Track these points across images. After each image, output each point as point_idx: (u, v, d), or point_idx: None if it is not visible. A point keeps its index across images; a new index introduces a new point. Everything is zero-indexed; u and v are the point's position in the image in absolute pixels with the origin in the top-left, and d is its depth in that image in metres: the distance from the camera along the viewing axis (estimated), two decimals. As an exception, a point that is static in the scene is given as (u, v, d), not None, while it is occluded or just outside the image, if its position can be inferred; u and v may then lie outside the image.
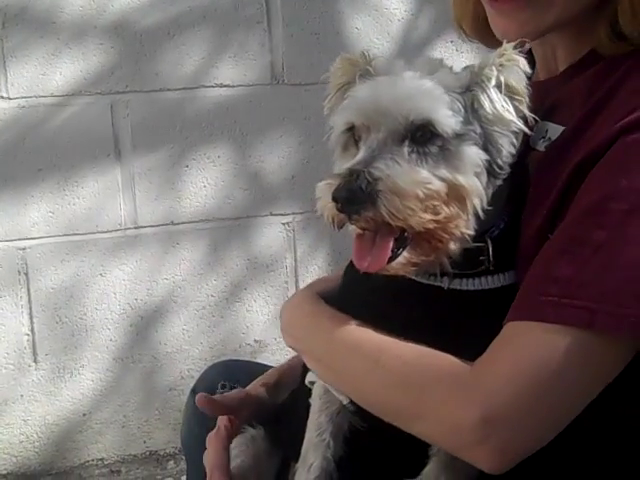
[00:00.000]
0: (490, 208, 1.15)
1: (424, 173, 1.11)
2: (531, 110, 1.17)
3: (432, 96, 1.13)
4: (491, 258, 1.19)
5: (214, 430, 1.52)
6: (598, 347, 1.04)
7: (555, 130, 1.23)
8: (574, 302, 1.03)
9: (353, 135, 1.19)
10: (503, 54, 1.16)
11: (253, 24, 3.07)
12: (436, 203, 1.10)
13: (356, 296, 1.29)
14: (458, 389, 1.09)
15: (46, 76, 2.90)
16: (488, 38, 1.36)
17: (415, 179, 1.10)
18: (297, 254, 3.23)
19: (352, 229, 1.16)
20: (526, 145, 1.22)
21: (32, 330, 3.00)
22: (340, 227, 1.13)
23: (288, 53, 3.11)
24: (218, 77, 3.05)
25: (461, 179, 1.12)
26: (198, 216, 3.11)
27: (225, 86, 3.07)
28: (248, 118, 3.10)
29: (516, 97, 1.17)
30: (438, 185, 1.11)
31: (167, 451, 3.17)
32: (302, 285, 3.22)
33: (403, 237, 1.12)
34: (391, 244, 1.11)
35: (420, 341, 1.16)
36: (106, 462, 3.13)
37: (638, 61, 1.17)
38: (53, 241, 2.98)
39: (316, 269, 3.23)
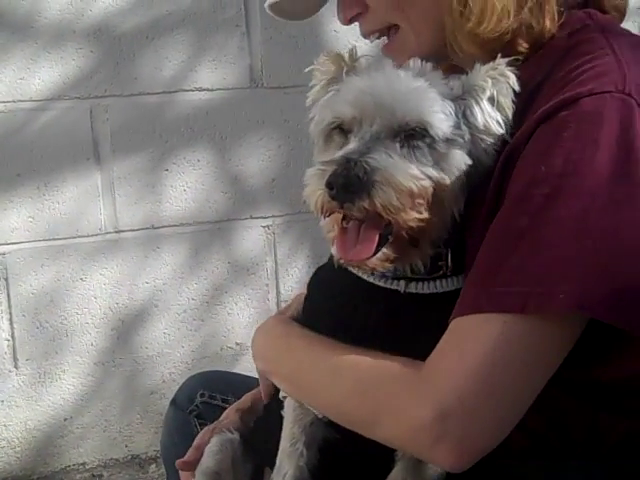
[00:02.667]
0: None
1: (417, 169, 1.12)
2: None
3: (428, 98, 1.16)
4: (449, 263, 1.21)
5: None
6: (538, 329, 1.06)
7: None
8: (506, 289, 1.06)
9: (340, 127, 1.19)
10: (496, 68, 1.19)
11: (232, 27, 3.07)
12: (422, 202, 1.12)
13: (319, 304, 1.31)
14: (410, 390, 1.11)
15: (25, 80, 2.89)
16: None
17: (411, 174, 1.11)
18: (277, 257, 3.24)
19: (327, 221, 1.16)
20: None
21: (12, 335, 2.99)
22: (327, 215, 1.13)
23: (267, 56, 3.12)
24: (197, 81, 3.06)
25: (446, 181, 1.15)
26: (178, 220, 3.11)
27: (204, 90, 3.07)
28: (227, 121, 3.10)
29: (501, 112, 1.20)
30: (427, 184, 1.12)
31: (149, 455, 3.18)
32: (282, 288, 3.23)
33: (386, 232, 1.13)
34: (377, 238, 1.12)
35: (380, 344, 1.18)
36: (88, 466, 3.13)
37: (563, 52, 1.21)
38: (33, 246, 2.97)
39: (296, 272, 3.24)
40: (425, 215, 1.12)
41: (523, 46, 1.26)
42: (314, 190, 1.11)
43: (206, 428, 1.59)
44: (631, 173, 1.05)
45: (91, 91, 2.95)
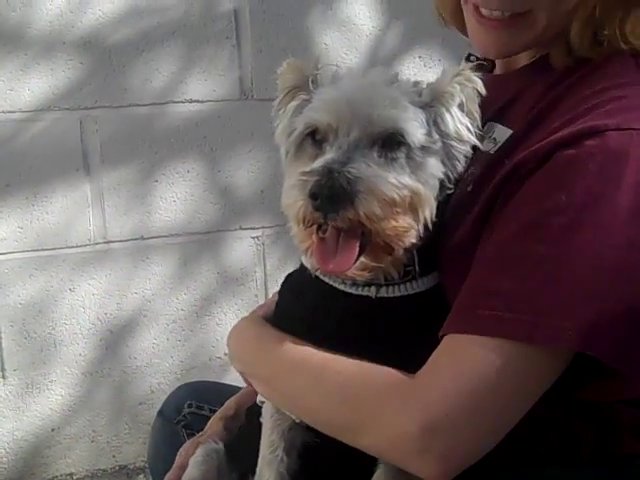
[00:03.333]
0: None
1: (397, 178, 1.13)
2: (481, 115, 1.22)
3: (403, 106, 1.16)
4: (417, 267, 1.22)
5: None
6: (536, 359, 1.07)
7: (502, 132, 1.26)
8: (515, 316, 1.05)
9: (312, 136, 1.19)
10: (461, 74, 1.20)
11: (222, 40, 3.09)
12: (399, 210, 1.12)
13: (292, 313, 1.31)
14: (398, 401, 1.11)
15: (14, 91, 2.89)
16: (463, 25, 1.37)
17: (392, 183, 1.11)
18: (267, 267, 3.24)
19: (300, 232, 1.16)
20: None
21: (0, 345, 2.98)
22: (309, 226, 1.13)
23: (257, 68, 3.13)
24: (187, 92, 3.07)
25: (422, 190, 1.15)
26: (168, 231, 3.11)
27: (194, 101, 3.08)
28: (217, 133, 3.11)
29: (470, 117, 1.21)
30: (407, 192, 1.13)
31: (137, 465, 3.17)
32: (272, 299, 3.24)
33: (364, 241, 1.13)
34: (357, 248, 1.12)
35: (355, 350, 1.18)
36: (75, 477, 3.12)
37: (583, 75, 1.20)
38: (22, 256, 2.97)
39: (285, 283, 3.24)
40: (402, 223, 1.13)
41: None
42: (295, 201, 1.11)
43: (188, 442, 1.58)
44: None
45: (81, 102, 2.96)
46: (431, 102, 1.20)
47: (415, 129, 1.16)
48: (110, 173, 3.02)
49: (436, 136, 1.19)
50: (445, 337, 1.12)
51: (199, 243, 3.16)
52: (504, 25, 1.25)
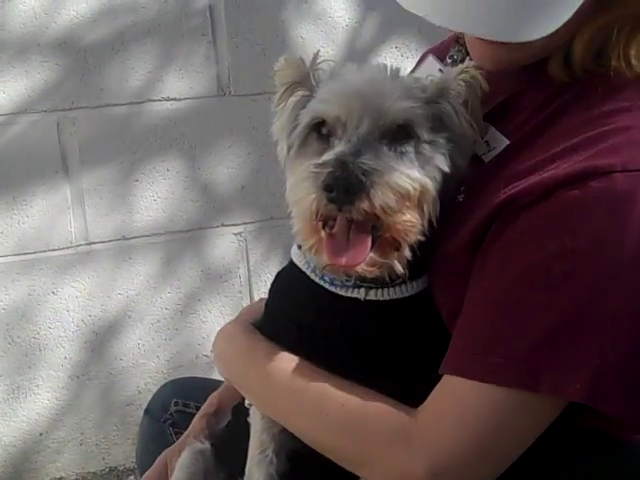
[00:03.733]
0: None
1: (408, 171, 1.11)
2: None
3: (411, 99, 1.15)
4: (407, 272, 1.19)
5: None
6: (540, 407, 1.07)
7: (497, 139, 1.23)
8: (520, 366, 1.04)
9: (318, 130, 1.17)
10: (467, 71, 1.19)
11: (198, 36, 3.07)
12: (409, 205, 1.11)
13: (282, 313, 1.31)
14: (404, 442, 1.11)
15: (-10, 95, 2.87)
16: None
17: (408, 175, 1.10)
18: (250, 264, 3.24)
19: (304, 230, 1.13)
20: None
21: (-15, 351, 2.97)
22: (321, 220, 1.10)
23: (234, 64, 3.12)
24: (164, 90, 3.05)
25: (429, 185, 1.14)
26: (150, 230, 3.10)
27: (172, 99, 3.07)
28: (196, 130, 3.10)
29: (474, 115, 1.20)
30: (417, 186, 1.11)
31: (127, 466, 3.16)
32: (256, 294, 3.24)
33: (374, 236, 1.11)
34: (369, 241, 1.10)
35: (345, 352, 1.18)
36: (65, 481, 3.11)
37: (582, 91, 1.16)
38: (3, 261, 2.95)
39: (269, 278, 3.21)
40: (410, 218, 1.11)
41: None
42: (308, 194, 1.08)
43: (169, 449, 1.58)
44: None
45: (58, 104, 2.94)
46: (436, 98, 1.19)
47: (423, 122, 1.15)
48: (90, 174, 3.00)
49: (442, 133, 1.18)
50: (447, 377, 1.11)
51: (181, 241, 3.15)
52: (500, 42, 1.20)
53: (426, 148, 1.15)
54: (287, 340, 1.26)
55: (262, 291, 3.21)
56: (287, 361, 1.24)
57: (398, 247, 1.14)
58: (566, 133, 1.11)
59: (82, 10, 2.93)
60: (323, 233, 1.12)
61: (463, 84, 1.19)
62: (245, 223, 3.20)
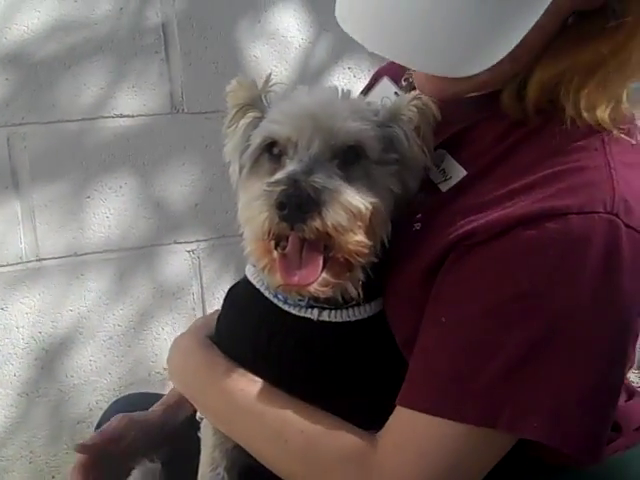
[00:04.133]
0: None
1: (359, 191, 1.12)
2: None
3: (362, 121, 1.16)
4: (360, 294, 1.21)
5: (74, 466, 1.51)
6: (499, 440, 1.09)
7: (454, 169, 1.23)
8: (478, 402, 1.05)
9: (269, 151, 1.18)
10: (419, 98, 1.21)
11: (151, 54, 3.08)
12: (361, 225, 1.11)
13: (235, 330, 1.31)
14: (362, 470, 1.12)
15: (-61, 110, 2.84)
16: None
17: (359, 194, 1.11)
18: (203, 280, 3.24)
19: (256, 250, 1.14)
20: None
21: None
22: (275, 238, 1.11)
23: (187, 82, 3.13)
24: (117, 107, 3.05)
25: (380, 206, 1.15)
26: (102, 246, 3.08)
27: (125, 116, 3.06)
28: (149, 147, 3.10)
29: (424, 141, 1.22)
30: (368, 205, 1.12)
31: (77, 485, 3.12)
32: (209, 311, 3.23)
33: (326, 256, 1.12)
34: (321, 261, 1.10)
35: (297, 373, 1.19)
36: (14, 500, 3.06)
37: (538, 126, 1.17)
38: (-49, 277, 2.91)
39: (222, 295, 3.17)
40: (362, 238, 1.12)
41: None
42: (260, 212, 1.08)
43: (118, 416, 1.55)
44: (611, 301, 1.05)
45: (8, 119, 2.91)
46: (387, 122, 1.21)
47: (374, 143, 1.17)
48: (40, 190, 2.97)
49: (392, 154, 1.20)
50: (406, 410, 1.12)
51: (134, 258, 3.14)
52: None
53: (376, 169, 1.17)
54: (241, 358, 1.27)
55: (215, 308, 3.16)
56: (247, 382, 1.24)
57: (350, 268, 1.15)
58: (523, 169, 1.12)
59: (33, 25, 2.91)
60: (275, 253, 1.13)
61: (415, 110, 1.21)
62: (198, 240, 3.21)
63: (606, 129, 1.13)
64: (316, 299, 1.21)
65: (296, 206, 1.05)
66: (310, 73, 3.30)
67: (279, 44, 3.25)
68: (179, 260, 3.20)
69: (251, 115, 1.26)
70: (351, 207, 1.09)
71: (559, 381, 1.04)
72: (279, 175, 1.12)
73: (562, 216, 1.04)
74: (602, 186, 1.06)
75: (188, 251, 3.21)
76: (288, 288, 1.14)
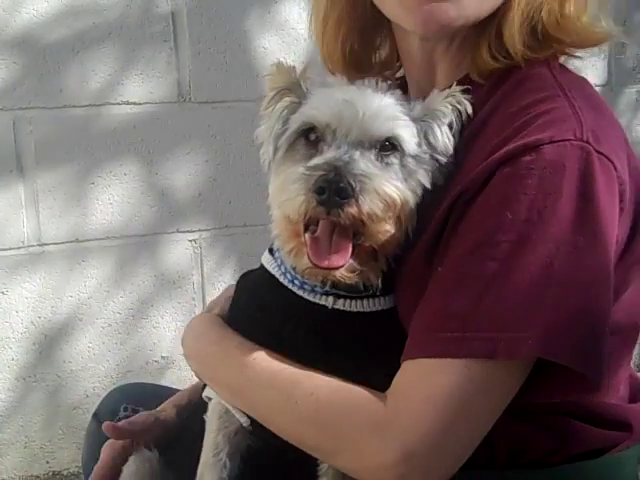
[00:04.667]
0: None
1: (395, 182, 1.15)
2: None
3: (400, 114, 1.19)
4: (379, 284, 1.23)
5: (109, 441, 1.53)
6: (501, 373, 1.10)
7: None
8: (476, 335, 1.07)
9: (306, 136, 1.19)
10: (454, 95, 1.24)
11: (160, 42, 3.07)
12: (391, 215, 1.14)
13: (248, 314, 1.32)
14: (375, 427, 1.12)
15: (-54, 91, 2.84)
16: (353, 74, 1.39)
17: (395, 185, 1.14)
18: (204, 271, 3.24)
19: (284, 234, 1.16)
20: None
21: None
22: (306, 222, 1.12)
23: (195, 71, 3.13)
24: (124, 94, 3.05)
25: (410, 198, 1.17)
26: (104, 233, 3.08)
27: (131, 103, 3.06)
28: (155, 135, 3.10)
29: (455, 137, 1.25)
30: (402, 197, 1.15)
31: (71, 471, 3.13)
32: (209, 301, 3.22)
33: (356, 242, 1.14)
34: (350, 247, 1.13)
35: (310, 358, 1.19)
36: (8, 483, 3.07)
37: (506, 92, 1.24)
38: (-48, 259, 2.91)
39: (223, 285, 3.24)
40: (391, 229, 1.15)
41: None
42: (297, 195, 1.10)
43: (145, 413, 1.56)
44: (590, 222, 1.09)
45: (15, 103, 2.91)
46: (423, 117, 1.24)
47: (410, 137, 1.19)
48: (45, 175, 2.97)
49: (426, 148, 1.22)
50: (409, 362, 1.13)
51: (136, 246, 3.14)
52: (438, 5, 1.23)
53: (411, 162, 1.19)
54: (254, 341, 1.27)
55: (225, 289, 3.19)
56: (258, 353, 1.25)
57: (376, 257, 1.18)
58: (496, 131, 1.17)
59: (43, 9, 2.91)
60: (304, 237, 1.15)
61: (449, 106, 1.24)
62: (200, 230, 3.21)
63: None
64: (334, 285, 1.22)
65: (335, 192, 1.07)
66: (318, 65, 3.29)
67: (288, 35, 3.25)
68: (181, 249, 3.20)
69: (288, 99, 1.26)
70: (386, 197, 1.12)
71: (550, 300, 1.07)
72: (318, 160, 1.14)
73: (535, 149, 1.10)
74: (570, 120, 1.13)
75: (190, 240, 3.20)
76: (315, 272, 1.16)
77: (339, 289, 1.23)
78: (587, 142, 1.10)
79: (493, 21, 1.27)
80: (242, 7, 3.18)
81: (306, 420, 1.19)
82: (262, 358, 1.25)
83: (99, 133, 3.03)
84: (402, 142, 1.18)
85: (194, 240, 3.21)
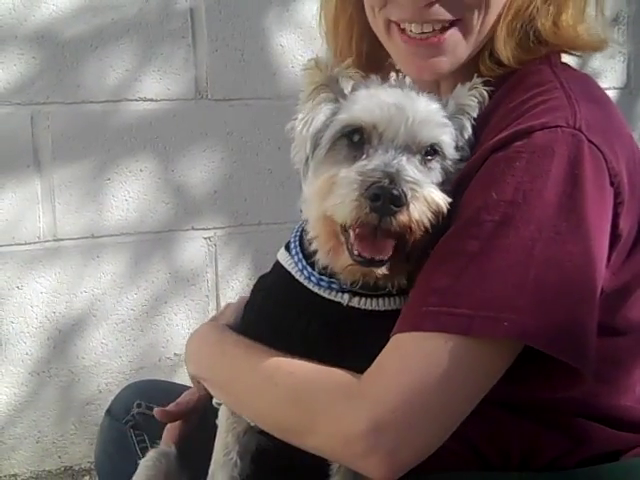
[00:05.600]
0: None
1: (440, 189, 1.16)
2: None
3: (443, 117, 1.20)
4: (401, 283, 1.21)
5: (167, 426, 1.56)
6: (478, 351, 1.09)
7: None
8: (452, 310, 1.08)
9: (349, 136, 1.19)
10: (476, 87, 1.25)
11: (178, 39, 3.07)
12: (434, 220, 1.14)
13: (261, 309, 1.32)
14: (347, 401, 1.13)
15: (-36, 85, 2.85)
16: (367, 73, 1.39)
17: (440, 192, 1.15)
18: (218, 269, 3.24)
19: (321, 233, 1.17)
20: None
21: (-56, 343, 2.93)
22: (360, 227, 1.12)
23: (212, 68, 3.12)
24: (142, 90, 3.05)
25: (443, 203, 1.16)
26: (119, 229, 3.08)
27: (149, 100, 3.06)
28: (171, 132, 3.10)
29: (474, 130, 1.26)
30: (447, 205, 1.15)
31: (82, 466, 3.13)
32: (223, 299, 3.23)
33: (399, 244, 1.14)
34: (393, 245, 1.13)
35: (319, 354, 1.19)
36: (19, 478, 3.07)
37: (507, 89, 1.26)
38: (-32, 253, 2.92)
39: (237, 284, 3.24)
40: (430, 231, 1.14)
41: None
42: (351, 200, 1.10)
43: (190, 391, 1.56)
44: (576, 208, 1.09)
45: (32, 97, 2.92)
46: (455, 114, 1.24)
47: (450, 142, 1.20)
48: (61, 170, 2.98)
49: (464, 146, 1.24)
50: (391, 338, 1.14)
51: (151, 243, 3.14)
52: (437, 41, 1.29)
53: (450, 165, 1.21)
54: (264, 336, 1.27)
55: (229, 296, 3.20)
56: (248, 346, 1.27)
57: (409, 258, 1.18)
58: (497, 125, 1.19)
59: (62, 5, 2.92)
60: (342, 237, 1.15)
61: (475, 99, 1.25)
62: (215, 228, 3.20)
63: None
64: (353, 283, 1.21)
65: (390, 200, 1.07)
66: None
67: (306, 34, 3.23)
68: (195, 247, 3.19)
69: (327, 96, 1.25)
70: (434, 204, 1.12)
71: (527, 284, 1.07)
72: (368, 164, 1.13)
73: (526, 134, 1.12)
74: (564, 109, 1.14)
75: (205, 238, 3.20)
76: (355, 269, 1.16)
77: (355, 287, 1.22)
78: (579, 130, 1.11)
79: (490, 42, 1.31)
80: (260, 4, 3.18)
81: (284, 400, 1.19)
82: (250, 349, 1.26)
83: (116, 129, 3.03)
84: (445, 147, 1.19)
85: (209, 238, 3.20)
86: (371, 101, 1.19)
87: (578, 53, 1.37)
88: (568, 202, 1.09)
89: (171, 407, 1.54)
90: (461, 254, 1.10)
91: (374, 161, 1.13)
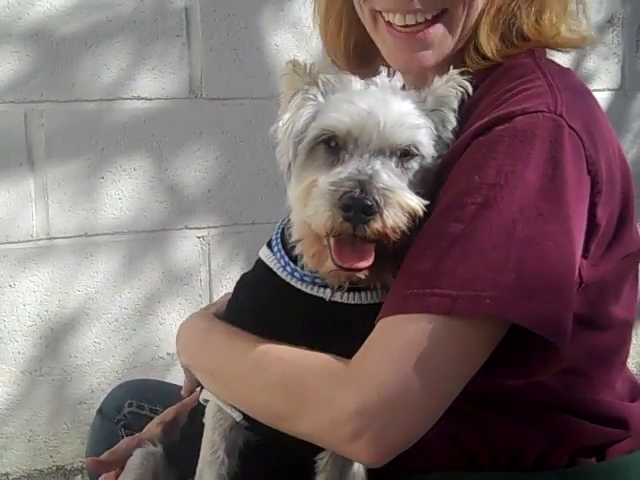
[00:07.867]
0: None
1: (415, 191, 1.16)
2: None
3: (419, 118, 1.20)
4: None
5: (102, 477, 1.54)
6: (462, 331, 1.09)
7: None
8: (435, 291, 1.09)
9: (327, 142, 1.19)
10: (454, 78, 1.25)
11: (172, 37, 3.07)
12: (411, 223, 1.14)
13: (244, 306, 1.32)
14: (334, 383, 1.13)
15: (-43, 82, 2.84)
16: (356, 67, 1.45)
17: (415, 195, 1.15)
18: (212, 268, 3.23)
19: (307, 238, 1.17)
20: None
21: (-64, 342, 2.92)
22: (335, 235, 1.13)
23: (207, 67, 3.12)
24: (136, 89, 3.04)
25: (417, 206, 1.16)
26: (113, 228, 3.08)
27: (143, 98, 3.06)
28: (165, 131, 3.09)
29: (457, 121, 1.27)
30: (423, 208, 1.15)
31: (74, 466, 3.12)
32: (216, 299, 3.21)
33: (380, 246, 1.14)
34: (373, 249, 1.14)
35: (302, 347, 1.20)
36: (11, 477, 3.06)
37: (492, 80, 1.28)
38: (-39, 251, 2.91)
39: (230, 283, 3.23)
40: (409, 232, 1.14)
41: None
42: (324, 210, 1.11)
43: (128, 438, 1.57)
44: (557, 189, 1.11)
45: (26, 95, 2.91)
46: (436, 107, 1.25)
47: (428, 141, 1.21)
48: (55, 168, 2.97)
49: (448, 137, 1.25)
50: (377, 323, 1.14)
51: (144, 241, 3.13)
52: (423, 35, 1.32)
53: (428, 165, 1.21)
54: (249, 331, 1.28)
55: (222, 295, 3.19)
56: (236, 334, 1.28)
57: (395, 257, 1.18)
58: (480, 113, 1.22)
59: (56, 3, 2.91)
60: (326, 241, 1.15)
61: (454, 90, 1.25)
62: (209, 227, 3.20)
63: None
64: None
65: (361, 209, 1.08)
66: (330, 64, 3.28)
67: (300, 33, 3.23)
68: (189, 246, 3.19)
69: (306, 101, 1.24)
70: (409, 209, 1.13)
71: (509, 264, 1.08)
72: (342, 172, 1.13)
73: (508, 119, 1.15)
74: (545, 95, 1.17)
75: (198, 237, 3.20)
76: (339, 274, 1.17)
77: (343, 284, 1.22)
78: (560, 115, 1.14)
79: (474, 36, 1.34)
80: (255, 4, 3.17)
81: (273, 384, 1.20)
82: (238, 336, 1.27)
83: (110, 128, 3.03)
84: (421, 147, 1.19)
85: (202, 237, 3.20)
86: (344, 107, 1.19)
87: (562, 50, 1.39)
88: (549, 184, 1.11)
89: (106, 456, 1.53)
90: (444, 237, 1.11)
91: (348, 168, 1.14)
